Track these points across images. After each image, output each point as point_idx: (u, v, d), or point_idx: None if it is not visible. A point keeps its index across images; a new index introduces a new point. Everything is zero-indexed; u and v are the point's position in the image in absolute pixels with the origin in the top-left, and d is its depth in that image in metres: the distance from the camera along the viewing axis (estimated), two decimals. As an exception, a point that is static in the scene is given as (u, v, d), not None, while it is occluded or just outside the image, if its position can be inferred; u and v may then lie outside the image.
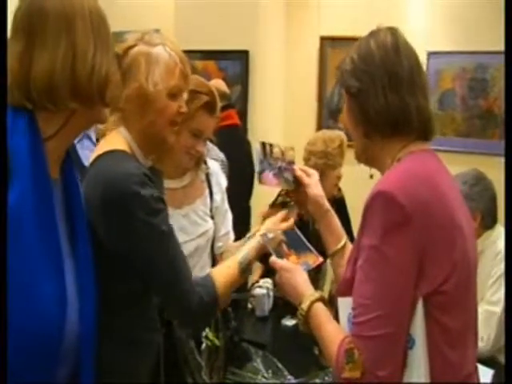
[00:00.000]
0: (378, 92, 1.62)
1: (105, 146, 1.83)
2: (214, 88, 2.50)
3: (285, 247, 2.01)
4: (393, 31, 1.71)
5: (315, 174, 2.08)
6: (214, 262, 2.61)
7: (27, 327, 1.31)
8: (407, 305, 1.44)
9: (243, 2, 5.02)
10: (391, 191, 1.46)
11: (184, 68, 1.91)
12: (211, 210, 2.59)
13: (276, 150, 2.08)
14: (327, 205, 2.03)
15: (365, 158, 1.72)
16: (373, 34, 1.72)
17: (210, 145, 3.27)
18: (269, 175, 2.05)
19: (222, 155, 3.33)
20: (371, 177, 1.79)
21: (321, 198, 2.03)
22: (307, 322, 1.68)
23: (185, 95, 1.94)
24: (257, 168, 2.07)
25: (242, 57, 5.08)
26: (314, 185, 2.04)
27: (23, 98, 1.42)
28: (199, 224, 2.51)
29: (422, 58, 5.43)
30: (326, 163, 3.65)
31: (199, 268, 2.49)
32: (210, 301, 1.80)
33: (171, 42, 1.92)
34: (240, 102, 5.06)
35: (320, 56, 5.72)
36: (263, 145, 2.07)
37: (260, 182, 2.06)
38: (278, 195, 3.66)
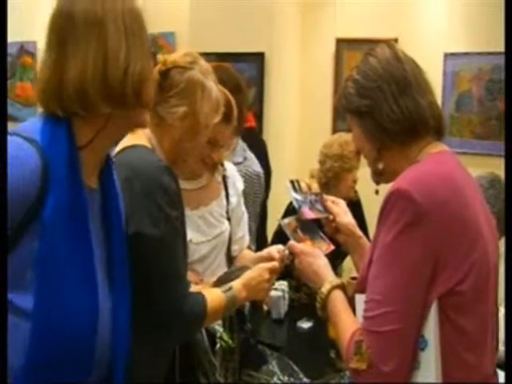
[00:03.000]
0: (389, 102, 1.64)
1: (128, 140, 1.87)
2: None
3: (300, 233, 2.05)
4: (389, 45, 1.74)
5: (342, 203, 2.14)
6: (231, 263, 2.64)
7: (58, 339, 1.32)
8: (418, 303, 1.45)
9: (259, 4, 5.05)
10: (407, 188, 1.48)
11: (223, 107, 2.08)
12: (227, 213, 2.61)
13: (303, 185, 2.18)
14: (359, 232, 2.07)
15: (383, 174, 1.72)
16: (368, 53, 1.74)
17: (250, 155, 3.29)
18: (306, 209, 2.11)
19: (259, 169, 3.31)
20: (377, 192, 1.79)
21: (351, 225, 2.07)
22: (325, 307, 1.72)
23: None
24: (295, 204, 2.14)
25: (258, 59, 5.12)
26: (342, 213, 2.09)
27: (56, 106, 1.41)
28: (215, 225, 2.54)
29: (439, 60, 5.41)
30: (341, 166, 3.66)
31: (214, 268, 2.52)
32: (200, 313, 1.88)
33: (215, 78, 2.05)
34: (256, 104, 5.10)
35: (336, 58, 5.72)
36: (292, 182, 2.17)
37: (302, 217, 2.12)
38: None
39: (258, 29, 5.08)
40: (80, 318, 1.35)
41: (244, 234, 2.69)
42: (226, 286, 2.05)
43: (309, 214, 2.09)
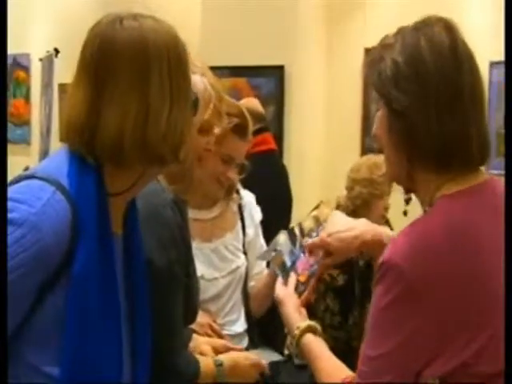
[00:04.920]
0: (430, 112, 1.47)
1: None
2: (246, 108, 2.61)
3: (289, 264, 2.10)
4: (448, 25, 1.54)
5: (335, 224, 2.05)
6: (247, 302, 2.72)
7: None
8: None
9: (277, 12, 5.09)
10: (397, 262, 1.44)
11: (219, 105, 2.04)
12: (244, 245, 2.69)
13: (307, 224, 2.15)
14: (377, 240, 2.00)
15: (401, 183, 1.64)
16: (422, 27, 1.54)
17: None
18: (301, 265, 2.07)
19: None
20: (405, 214, 1.69)
21: (359, 248, 2.00)
22: (301, 354, 1.77)
23: (216, 130, 2.07)
24: (288, 261, 2.11)
25: (277, 73, 5.20)
26: (344, 248, 1.99)
27: (85, 150, 1.44)
28: (230, 260, 2.62)
29: (483, 69, 5.49)
30: (371, 192, 3.70)
31: (229, 308, 2.60)
32: (189, 376, 1.96)
33: (210, 73, 2.04)
34: (274, 124, 5.11)
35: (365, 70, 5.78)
36: (290, 231, 2.19)
37: (296, 276, 2.06)
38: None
39: (278, 38, 5.12)
40: (104, 368, 1.42)
41: (262, 268, 2.75)
42: (219, 360, 2.12)
43: (303, 272, 2.05)
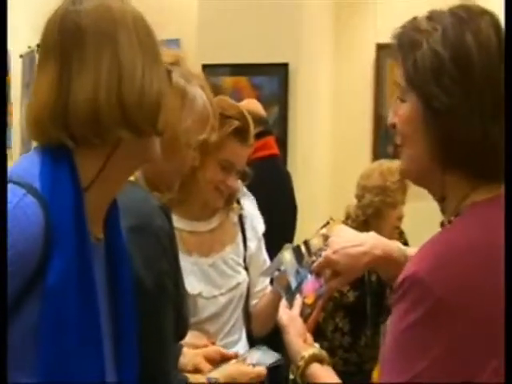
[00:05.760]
0: (474, 117, 1.44)
1: None
2: (246, 110, 2.60)
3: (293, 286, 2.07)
4: (495, 22, 1.49)
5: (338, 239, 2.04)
6: (249, 321, 2.69)
7: None
8: None
9: (281, 5, 5.05)
10: (423, 277, 1.42)
11: (214, 121, 2.07)
12: (245, 260, 2.66)
13: (315, 242, 2.12)
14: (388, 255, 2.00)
15: (418, 179, 1.61)
16: (467, 20, 1.47)
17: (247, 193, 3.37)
18: (307, 286, 2.05)
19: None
20: (442, 225, 1.62)
21: (368, 264, 2.00)
22: None
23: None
24: (294, 282, 2.09)
25: (281, 71, 5.16)
26: (350, 269, 1.99)
27: (62, 133, 1.45)
28: (230, 275, 2.59)
29: None
30: (383, 201, 3.69)
31: (230, 328, 2.57)
32: None
33: (208, 86, 2.07)
34: (278, 127, 5.08)
35: (376, 67, 5.78)
36: (295, 249, 2.15)
37: (303, 299, 2.06)
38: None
39: (281, 34, 5.09)
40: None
41: (265, 285, 2.72)
42: (212, 379, 2.10)
43: (310, 294, 2.05)
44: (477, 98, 1.43)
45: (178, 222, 2.31)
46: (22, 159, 1.52)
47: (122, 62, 1.46)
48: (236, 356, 2.29)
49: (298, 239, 4.01)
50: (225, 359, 2.25)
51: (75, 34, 1.45)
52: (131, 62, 1.47)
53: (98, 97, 1.43)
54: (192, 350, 2.22)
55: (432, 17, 1.51)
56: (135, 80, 1.47)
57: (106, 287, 1.56)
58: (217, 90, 2.28)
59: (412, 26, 1.53)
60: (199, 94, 2.02)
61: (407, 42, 1.51)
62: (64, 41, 1.46)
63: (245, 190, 3.38)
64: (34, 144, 1.54)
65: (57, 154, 1.45)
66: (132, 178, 1.89)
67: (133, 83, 1.46)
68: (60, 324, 1.37)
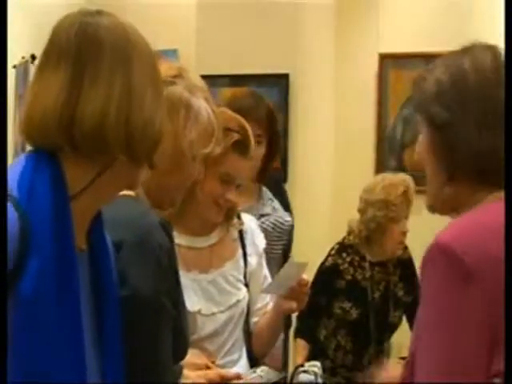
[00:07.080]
0: (470, 127, 1.63)
1: None
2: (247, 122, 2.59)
3: None
4: (493, 50, 1.71)
5: None
6: (249, 340, 2.68)
7: None
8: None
9: (281, 15, 5.07)
10: (448, 243, 1.52)
11: (219, 133, 2.08)
12: (245, 276, 2.65)
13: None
14: None
15: (444, 206, 1.74)
16: (466, 50, 1.71)
17: (277, 204, 3.38)
18: None
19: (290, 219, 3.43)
20: None
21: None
22: None
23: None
24: None
25: (281, 82, 5.18)
26: None
27: (63, 139, 1.45)
28: (230, 292, 2.58)
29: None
30: (387, 215, 3.69)
31: (230, 347, 2.56)
32: None
33: (211, 98, 2.08)
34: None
35: (379, 78, 5.77)
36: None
37: None
38: (328, 255, 3.73)
39: (281, 44, 5.10)
40: None
41: (266, 302, 2.71)
42: None
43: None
44: (472, 112, 1.63)
45: (176, 238, 2.29)
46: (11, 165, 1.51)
47: (135, 87, 1.49)
48: (239, 377, 2.28)
49: (299, 253, 4.00)
50: (226, 381, 2.24)
51: (93, 44, 1.48)
52: (142, 89, 1.50)
53: (107, 112, 1.45)
54: (193, 373, 2.20)
55: (443, 56, 1.76)
56: (144, 109, 1.49)
57: (90, 298, 1.55)
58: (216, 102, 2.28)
59: (425, 69, 1.77)
60: (204, 106, 2.02)
61: (418, 80, 1.75)
62: (81, 48, 1.48)
63: (269, 194, 3.40)
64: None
65: (40, 160, 1.46)
66: (132, 193, 1.89)
67: (142, 111, 1.49)
68: (35, 332, 1.36)
